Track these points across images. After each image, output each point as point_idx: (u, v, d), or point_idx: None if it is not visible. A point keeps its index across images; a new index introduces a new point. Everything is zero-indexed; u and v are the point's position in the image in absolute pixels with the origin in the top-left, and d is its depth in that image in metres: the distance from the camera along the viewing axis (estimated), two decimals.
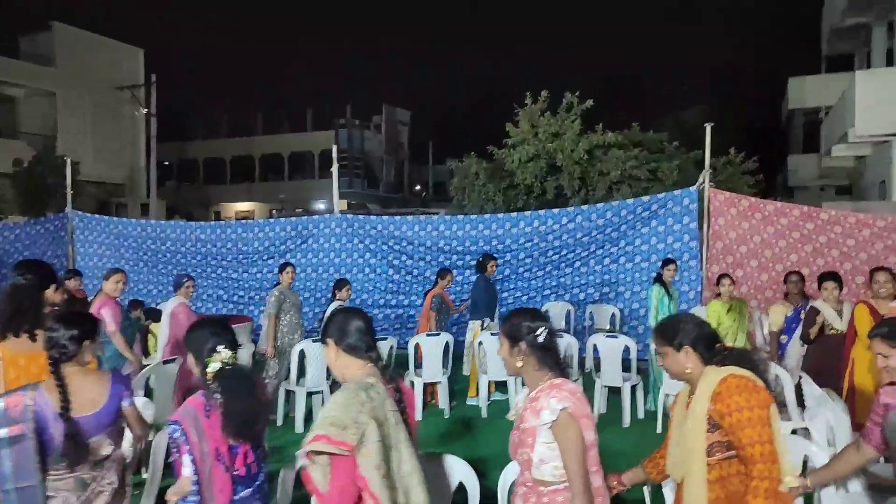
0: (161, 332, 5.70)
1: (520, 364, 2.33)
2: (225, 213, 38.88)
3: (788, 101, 25.01)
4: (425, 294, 7.43)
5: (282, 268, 6.75)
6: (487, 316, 7.19)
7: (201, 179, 40.82)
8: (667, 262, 6.83)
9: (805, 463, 3.22)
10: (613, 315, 8.45)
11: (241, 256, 10.05)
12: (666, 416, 6.19)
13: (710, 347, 2.41)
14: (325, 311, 7.03)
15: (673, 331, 2.46)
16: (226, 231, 10.27)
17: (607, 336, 6.71)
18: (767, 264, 7.93)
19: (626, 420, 6.26)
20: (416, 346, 6.75)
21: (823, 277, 5.43)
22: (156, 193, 28.08)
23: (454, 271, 9.10)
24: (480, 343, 6.67)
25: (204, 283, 9.99)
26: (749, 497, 2.22)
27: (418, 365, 6.74)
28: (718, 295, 6.33)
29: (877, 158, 16.09)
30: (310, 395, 6.31)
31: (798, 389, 4.82)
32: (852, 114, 14.85)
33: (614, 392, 6.50)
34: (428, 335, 6.83)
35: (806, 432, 4.22)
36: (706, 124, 8.26)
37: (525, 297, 8.87)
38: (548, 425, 2.16)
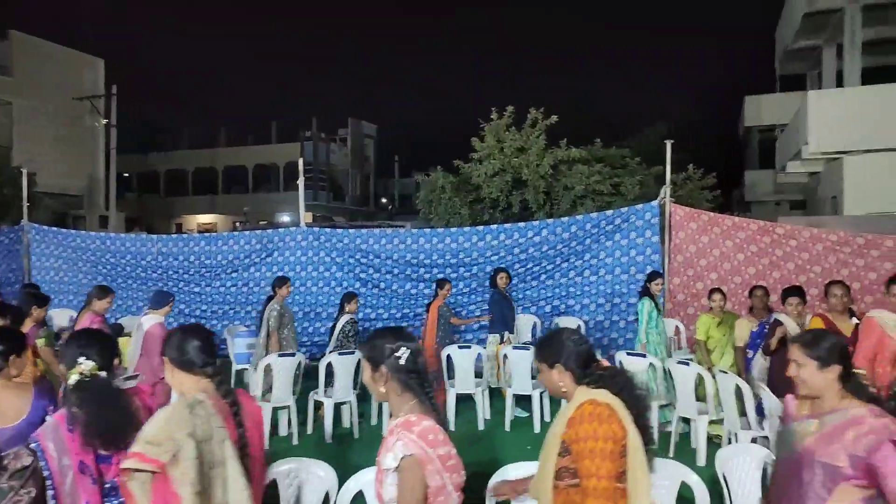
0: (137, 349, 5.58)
1: (382, 389, 2.17)
2: (187, 226, 38.23)
3: (745, 119, 25.81)
4: (428, 307, 7.41)
5: (281, 282, 6.79)
6: (506, 329, 7.25)
7: (163, 191, 40.11)
8: (653, 275, 6.86)
9: (765, 470, 3.30)
10: (579, 327, 8.54)
11: (203, 270, 9.88)
12: None
13: (585, 366, 2.34)
14: (333, 324, 7.02)
15: (547, 347, 2.41)
16: (188, 244, 10.09)
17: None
18: (726, 277, 8.13)
19: None
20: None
21: (788, 292, 5.48)
22: (115, 205, 27.48)
23: (421, 284, 9.15)
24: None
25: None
26: None
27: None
28: (710, 309, 6.33)
29: (829, 175, 16.69)
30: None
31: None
32: (805, 132, 15.40)
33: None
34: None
35: (766, 440, 4.34)
36: (666, 141, 8.48)
37: (473, 308, 8.91)
38: (391, 469, 2.04)
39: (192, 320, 9.73)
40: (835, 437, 2.25)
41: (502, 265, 8.90)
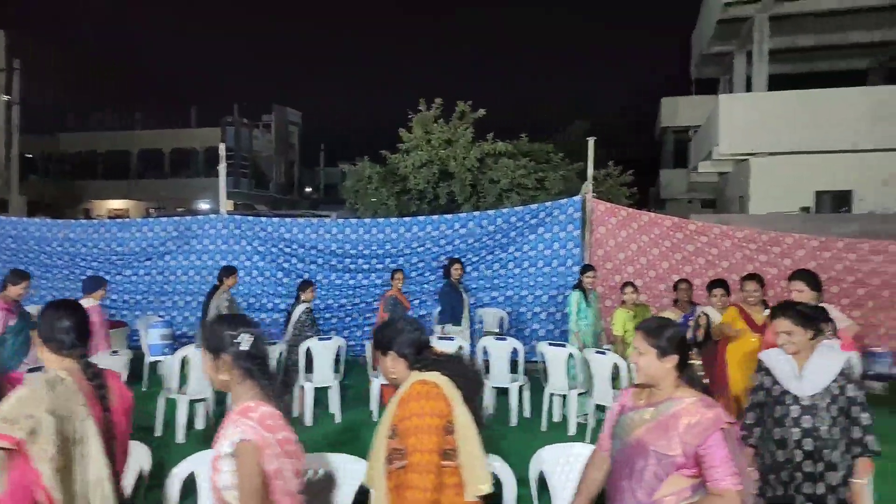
0: None
1: (225, 377, 2.14)
2: (96, 211, 36.17)
3: (662, 120, 26.90)
4: (381, 297, 7.48)
5: (227, 272, 6.92)
6: (453, 320, 7.28)
7: (71, 175, 37.75)
8: (585, 268, 7.09)
9: None
10: (502, 318, 8.69)
11: (114, 258, 9.39)
12: (550, 415, 6.47)
13: (418, 352, 2.41)
14: (288, 313, 7.04)
15: (382, 335, 2.47)
16: (98, 230, 9.56)
17: (496, 339, 6.91)
18: (642, 270, 8.47)
19: (514, 419, 6.47)
20: (308, 350, 6.62)
21: (713, 284, 5.66)
22: (17, 188, 25.70)
23: (347, 275, 9.05)
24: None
25: (72, 286, 9.26)
26: None
27: (309, 369, 6.62)
28: (623, 302, 6.55)
29: (737, 175, 17.65)
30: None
31: None
32: (716, 134, 16.23)
33: (503, 392, 6.70)
34: (320, 339, 6.71)
35: None
36: (589, 138, 8.72)
37: (416, 301, 8.94)
38: (228, 455, 2.03)
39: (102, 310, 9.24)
40: (668, 426, 2.28)
41: (428, 256, 8.95)
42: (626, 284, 6.60)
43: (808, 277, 4.40)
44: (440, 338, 6.86)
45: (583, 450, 3.33)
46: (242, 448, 2.00)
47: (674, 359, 2.35)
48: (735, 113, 15.99)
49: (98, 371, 2.32)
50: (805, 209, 15.12)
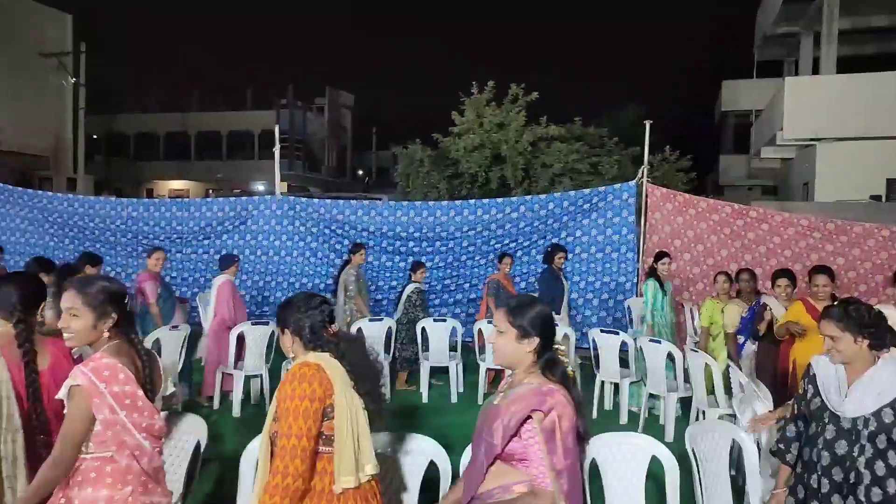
0: (209, 305, 6.45)
1: (106, 335, 2.27)
2: (158, 191, 37.45)
3: (722, 104, 26.03)
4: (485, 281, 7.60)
5: (356, 248, 7.22)
6: (552, 309, 7.09)
7: (132, 155, 39.12)
8: (659, 255, 6.64)
9: (732, 447, 3.37)
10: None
11: (174, 236, 9.69)
12: (602, 403, 6.38)
13: (314, 332, 2.31)
14: (400, 291, 7.37)
15: (280, 312, 2.41)
16: (159, 209, 9.87)
17: None
18: (699, 258, 8.24)
19: None
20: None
21: (778, 275, 5.26)
22: (83, 167, 26.77)
23: (397, 257, 9.11)
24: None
25: (134, 262, 9.60)
26: (263, 494, 2.14)
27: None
28: (716, 294, 5.99)
29: (801, 161, 16.97)
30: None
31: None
32: (780, 118, 15.61)
33: None
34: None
35: (732, 418, 4.44)
36: (645, 122, 8.50)
37: (467, 285, 8.93)
38: (64, 399, 2.18)
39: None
40: (500, 412, 2.08)
41: (479, 240, 8.91)
42: (719, 274, 6.07)
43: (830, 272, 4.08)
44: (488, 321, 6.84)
45: (636, 439, 3.26)
46: (73, 392, 2.15)
47: (534, 341, 2.12)
48: (801, 96, 15.33)
49: (30, 338, 2.50)
50: (876, 197, 14.43)
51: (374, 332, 6.67)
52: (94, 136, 34.98)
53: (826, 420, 2.65)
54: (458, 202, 9.34)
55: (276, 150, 9.54)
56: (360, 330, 6.50)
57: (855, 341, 2.59)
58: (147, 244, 9.68)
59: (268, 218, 9.44)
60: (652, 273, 6.51)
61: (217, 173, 36.54)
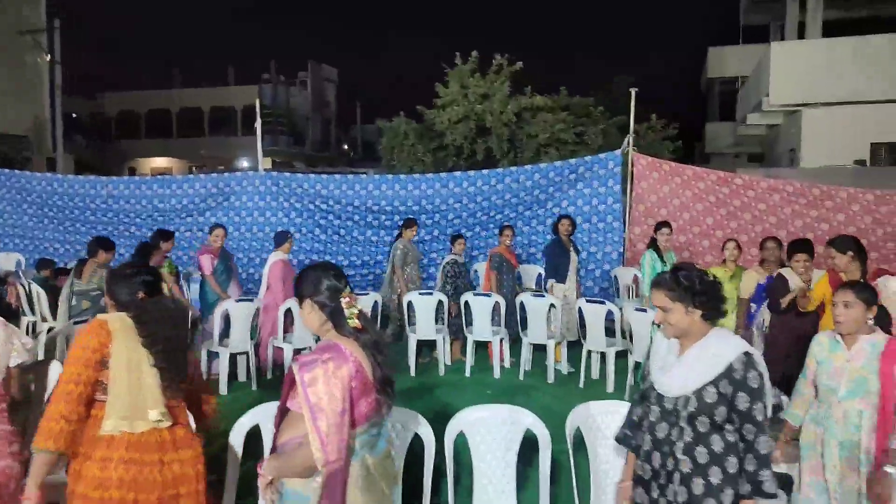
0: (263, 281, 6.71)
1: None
2: (141, 170, 36.93)
3: (708, 71, 25.87)
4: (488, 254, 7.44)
5: (408, 223, 7.37)
6: (555, 277, 6.91)
7: (114, 134, 38.49)
8: (659, 225, 6.45)
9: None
10: (539, 275, 8.59)
11: (156, 214, 9.54)
12: (588, 372, 6.41)
13: (124, 297, 2.54)
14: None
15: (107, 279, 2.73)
16: (140, 187, 9.71)
17: (534, 295, 6.83)
18: (685, 227, 8.23)
19: (551, 376, 6.44)
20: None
21: (794, 248, 4.86)
22: (62, 147, 26.30)
23: (382, 231, 9.04)
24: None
25: (117, 241, 9.45)
26: (37, 436, 2.28)
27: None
28: (724, 261, 5.76)
29: (788, 127, 16.95)
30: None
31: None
32: (766, 83, 15.53)
33: (539, 349, 6.67)
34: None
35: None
36: (631, 90, 8.42)
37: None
38: None
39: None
40: (293, 368, 2.19)
41: (464, 213, 8.86)
42: (728, 241, 5.77)
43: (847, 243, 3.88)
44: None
45: (622, 408, 3.26)
46: None
47: (314, 306, 2.22)
48: (787, 61, 15.25)
49: None
50: (860, 162, 14.46)
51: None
52: (74, 115, 34.34)
53: (651, 400, 2.38)
54: (443, 175, 9.25)
55: (258, 125, 9.40)
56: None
57: (686, 312, 2.27)
58: (128, 223, 9.56)
59: (251, 194, 9.32)
60: (652, 243, 6.35)
61: (200, 150, 36.07)
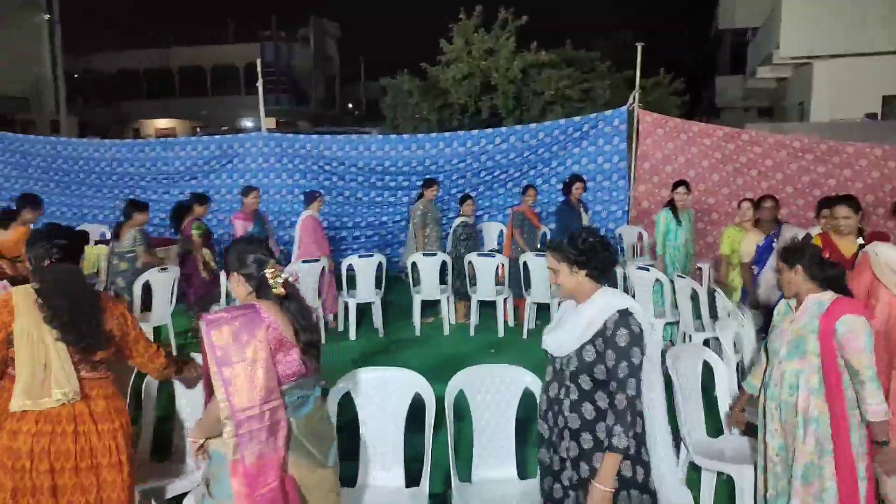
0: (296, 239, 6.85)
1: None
2: (144, 131, 36.77)
3: (718, 22, 25.29)
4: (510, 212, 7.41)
5: (428, 183, 7.32)
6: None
7: (113, 94, 38.10)
8: (678, 184, 6.28)
9: (705, 366, 3.53)
10: (545, 234, 8.59)
11: (161, 177, 9.55)
12: None
13: (32, 265, 2.57)
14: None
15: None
16: (144, 150, 9.69)
17: (537, 255, 6.84)
18: (691, 184, 8.16)
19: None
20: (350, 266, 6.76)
21: (823, 204, 4.59)
22: (65, 109, 26.17)
23: (387, 192, 9.03)
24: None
25: (122, 204, 9.52)
26: None
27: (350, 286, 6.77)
28: (739, 222, 5.58)
29: (798, 80, 16.64)
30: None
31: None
32: (777, 35, 15.19)
33: (543, 308, 6.72)
34: (361, 256, 6.88)
35: (717, 342, 4.51)
36: (637, 44, 8.25)
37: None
38: None
39: (150, 229, 9.47)
40: None
41: (469, 172, 8.82)
42: (743, 201, 5.63)
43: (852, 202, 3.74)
44: (479, 254, 6.88)
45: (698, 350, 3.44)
46: None
47: (240, 279, 2.36)
48: (798, 11, 14.86)
49: None
50: (871, 115, 14.23)
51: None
52: (75, 76, 34.01)
53: (548, 361, 2.45)
54: (447, 134, 9.17)
55: (260, 84, 9.30)
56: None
57: (571, 272, 2.32)
58: (133, 185, 9.58)
59: (255, 156, 9.29)
60: (669, 203, 6.25)
61: (203, 110, 35.79)
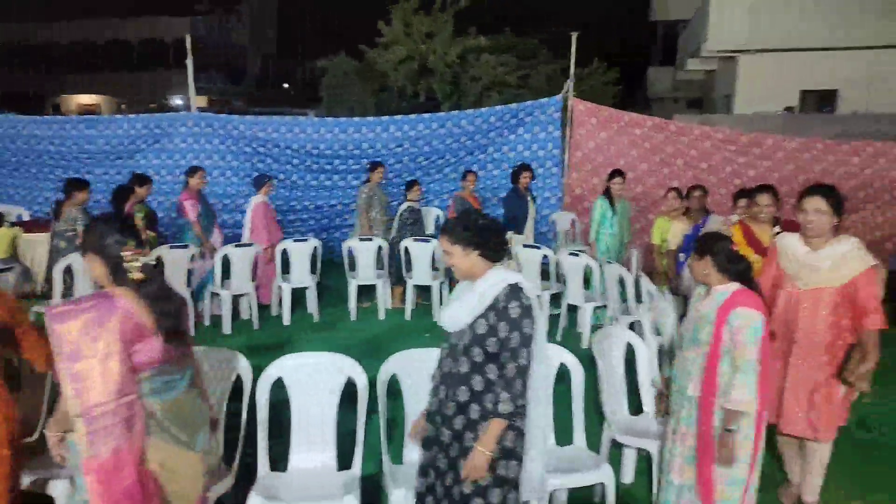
0: (245, 226, 6.80)
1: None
2: (66, 107, 34.83)
3: (652, 13, 25.93)
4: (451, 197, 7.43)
5: (373, 167, 7.21)
6: (513, 228, 6.79)
7: (33, 67, 35.94)
8: (614, 174, 6.45)
9: (629, 348, 3.68)
10: (437, 217, 8.61)
11: (84, 156, 9.11)
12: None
13: None
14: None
15: None
16: (64, 127, 9.22)
17: (417, 240, 6.86)
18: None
19: None
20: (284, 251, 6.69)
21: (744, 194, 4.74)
22: None
23: (322, 175, 8.92)
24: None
25: (40, 184, 9.08)
26: None
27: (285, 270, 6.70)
28: (671, 210, 5.69)
29: (724, 73, 17.30)
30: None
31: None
32: (705, 28, 15.73)
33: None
34: (295, 241, 6.76)
35: (640, 324, 4.71)
36: (572, 33, 8.41)
37: (395, 203, 8.86)
38: None
39: (36, 209, 9.07)
40: None
41: (405, 157, 8.81)
42: (670, 190, 5.74)
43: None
44: (416, 239, 6.89)
45: (548, 350, 3.43)
46: None
47: (98, 259, 2.27)
48: (726, 6, 15.42)
49: None
50: (789, 109, 14.97)
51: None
52: None
53: (443, 339, 2.51)
54: (384, 118, 9.11)
55: (189, 61, 8.97)
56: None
57: (464, 253, 2.38)
58: (53, 165, 9.13)
59: (184, 136, 8.98)
60: (605, 192, 6.41)
61: (129, 86, 34.20)
